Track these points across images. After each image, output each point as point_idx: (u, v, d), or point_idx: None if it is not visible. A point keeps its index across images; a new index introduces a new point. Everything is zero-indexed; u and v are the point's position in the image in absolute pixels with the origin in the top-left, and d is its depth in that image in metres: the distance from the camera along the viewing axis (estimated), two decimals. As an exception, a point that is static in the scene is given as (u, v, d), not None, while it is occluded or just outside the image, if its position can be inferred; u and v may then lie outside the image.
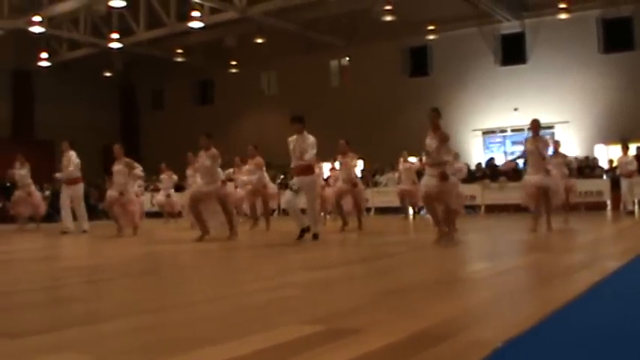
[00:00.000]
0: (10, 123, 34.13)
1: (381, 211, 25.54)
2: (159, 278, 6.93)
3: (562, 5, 25.76)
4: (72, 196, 15.98)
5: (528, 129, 13.19)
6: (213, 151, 12.37)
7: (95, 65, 34.50)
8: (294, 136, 11.15)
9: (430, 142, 10.11)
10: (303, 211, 11.37)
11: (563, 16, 26.11)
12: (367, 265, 7.67)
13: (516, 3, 27.72)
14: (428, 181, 10.11)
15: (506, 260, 7.77)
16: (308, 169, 11.25)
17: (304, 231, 11.05)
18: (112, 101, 39.16)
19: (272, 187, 16.50)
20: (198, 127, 32.92)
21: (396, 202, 21.80)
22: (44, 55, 31.66)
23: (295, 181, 11.26)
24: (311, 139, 11.10)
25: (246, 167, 16.14)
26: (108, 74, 35.66)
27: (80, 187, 16.24)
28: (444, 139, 10.11)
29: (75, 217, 16.18)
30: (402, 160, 19.59)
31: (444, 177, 9.82)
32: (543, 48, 27.59)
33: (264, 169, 16.10)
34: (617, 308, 4.19)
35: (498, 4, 26.78)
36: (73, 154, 15.91)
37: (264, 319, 4.08)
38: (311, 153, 11.11)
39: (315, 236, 11.14)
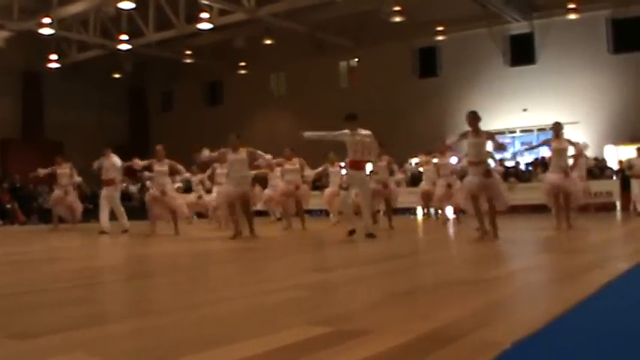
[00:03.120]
0: (20, 124, 34.30)
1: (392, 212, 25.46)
2: (169, 280, 6.93)
3: (571, 5, 25.71)
4: (108, 196, 16.46)
5: (550, 128, 13.80)
6: (243, 151, 12.71)
7: (104, 67, 34.62)
8: (348, 131, 11.30)
9: (473, 141, 10.51)
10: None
11: (572, 16, 26.06)
12: (377, 266, 7.65)
13: (525, 3, 27.67)
14: (472, 179, 10.49)
15: (516, 261, 7.75)
16: (362, 165, 11.44)
17: (352, 232, 11.21)
18: (122, 103, 39.30)
19: (305, 188, 16.58)
20: (208, 128, 33.12)
21: (405, 203, 21.73)
22: (54, 56, 31.79)
23: (347, 177, 11.46)
24: (372, 136, 11.41)
25: (287, 167, 16.13)
26: (117, 76, 35.79)
27: (116, 188, 16.77)
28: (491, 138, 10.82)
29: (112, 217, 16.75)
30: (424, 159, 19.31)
31: (488, 174, 10.33)
32: (552, 48, 27.54)
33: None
34: (628, 309, 4.17)
35: (507, 5, 26.75)
36: (115, 156, 16.75)
37: (274, 320, 4.08)
38: (375, 152, 11.82)
39: (371, 235, 11.22)
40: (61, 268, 8.26)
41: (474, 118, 10.61)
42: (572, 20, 26.29)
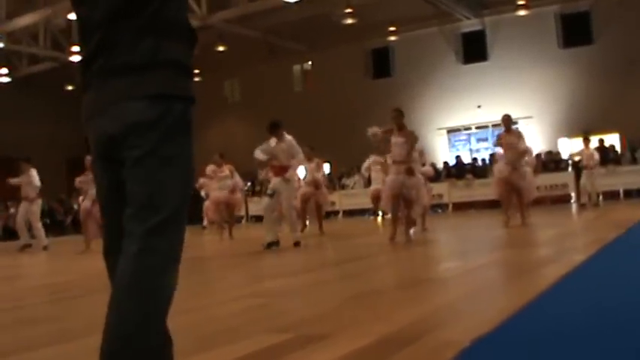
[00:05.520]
0: (-30, 141, 33.67)
1: (349, 213, 25.57)
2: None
3: (521, 2, 25.96)
4: (28, 212, 15.96)
5: (495, 125, 13.42)
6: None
7: (57, 79, 34.15)
8: (274, 141, 10.96)
9: (395, 140, 10.28)
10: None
11: (522, 12, 26.31)
12: (335, 269, 7.67)
13: (476, 1, 27.91)
14: (394, 178, 10.26)
15: (473, 258, 7.80)
16: (285, 171, 11.07)
17: (272, 244, 10.59)
18: (76, 115, 38.31)
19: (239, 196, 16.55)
20: (164, 137, 32.80)
21: (363, 205, 21.81)
22: (4, 70, 31.31)
23: (272, 184, 11.06)
24: (294, 142, 11.05)
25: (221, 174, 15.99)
26: (70, 88, 35.33)
27: (37, 204, 16.22)
28: (414, 140, 10.42)
29: (33, 235, 16.21)
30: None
31: (410, 172, 10.11)
32: (504, 45, 27.81)
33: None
34: (584, 301, 4.23)
35: (458, 3, 26.94)
36: (34, 171, 16.04)
37: (233, 329, 4.07)
38: (300, 156, 11.24)
39: (297, 244, 10.88)
40: (15, 287, 8.16)
41: (398, 115, 10.46)
42: (521, 16, 26.54)
